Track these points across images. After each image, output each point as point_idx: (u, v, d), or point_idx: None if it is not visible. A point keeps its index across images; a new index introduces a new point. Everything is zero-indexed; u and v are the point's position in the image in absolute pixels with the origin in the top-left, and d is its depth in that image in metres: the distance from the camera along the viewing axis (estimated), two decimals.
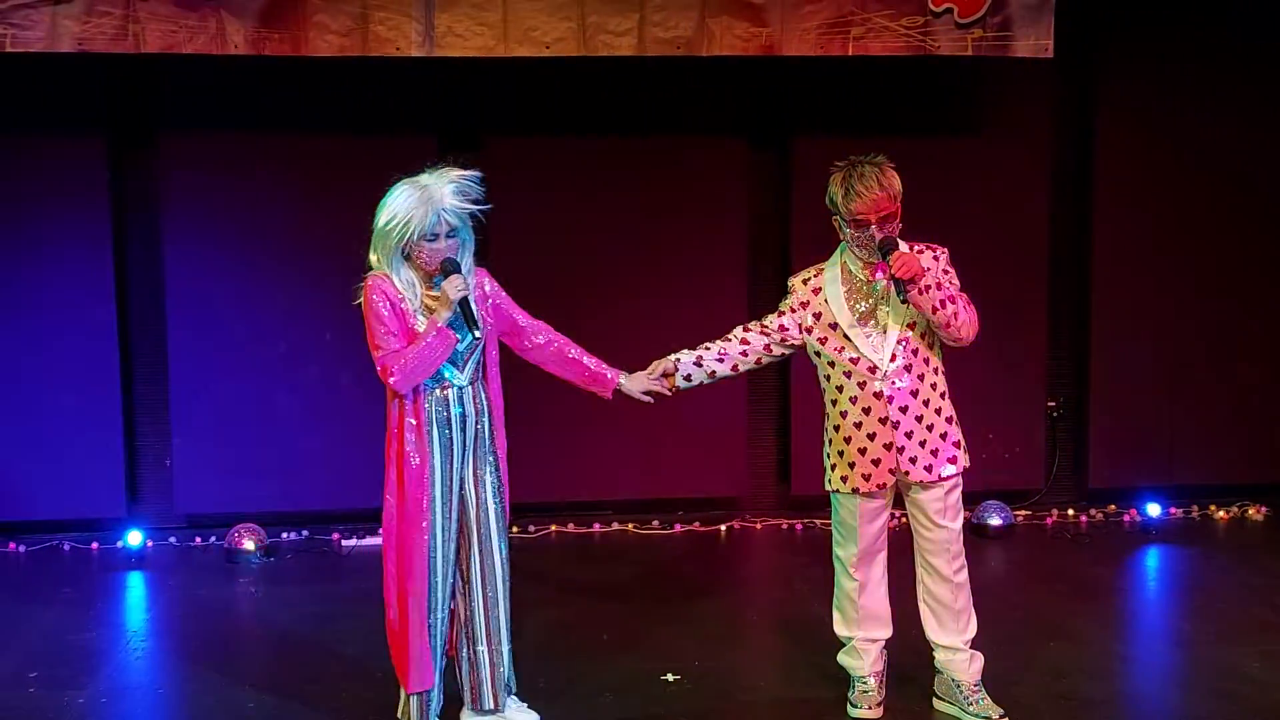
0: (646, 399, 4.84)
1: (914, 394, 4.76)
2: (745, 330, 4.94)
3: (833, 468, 4.90)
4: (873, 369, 4.76)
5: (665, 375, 4.87)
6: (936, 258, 4.76)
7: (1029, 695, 5.08)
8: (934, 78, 7.42)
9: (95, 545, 7.26)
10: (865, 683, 5.00)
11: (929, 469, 4.78)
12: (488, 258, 5.00)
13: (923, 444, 4.77)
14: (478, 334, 4.52)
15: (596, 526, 7.59)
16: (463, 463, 4.64)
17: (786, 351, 4.95)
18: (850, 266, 4.82)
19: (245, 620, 6.43)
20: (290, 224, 7.36)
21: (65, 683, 5.36)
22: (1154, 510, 7.61)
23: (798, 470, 7.67)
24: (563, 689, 5.19)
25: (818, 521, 7.42)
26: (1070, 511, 7.77)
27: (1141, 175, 7.73)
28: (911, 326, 4.75)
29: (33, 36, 6.46)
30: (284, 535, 7.39)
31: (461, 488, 4.66)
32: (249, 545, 7.07)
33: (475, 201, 4.52)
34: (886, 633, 5.03)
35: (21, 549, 7.20)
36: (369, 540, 7.36)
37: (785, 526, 7.64)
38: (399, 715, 4.73)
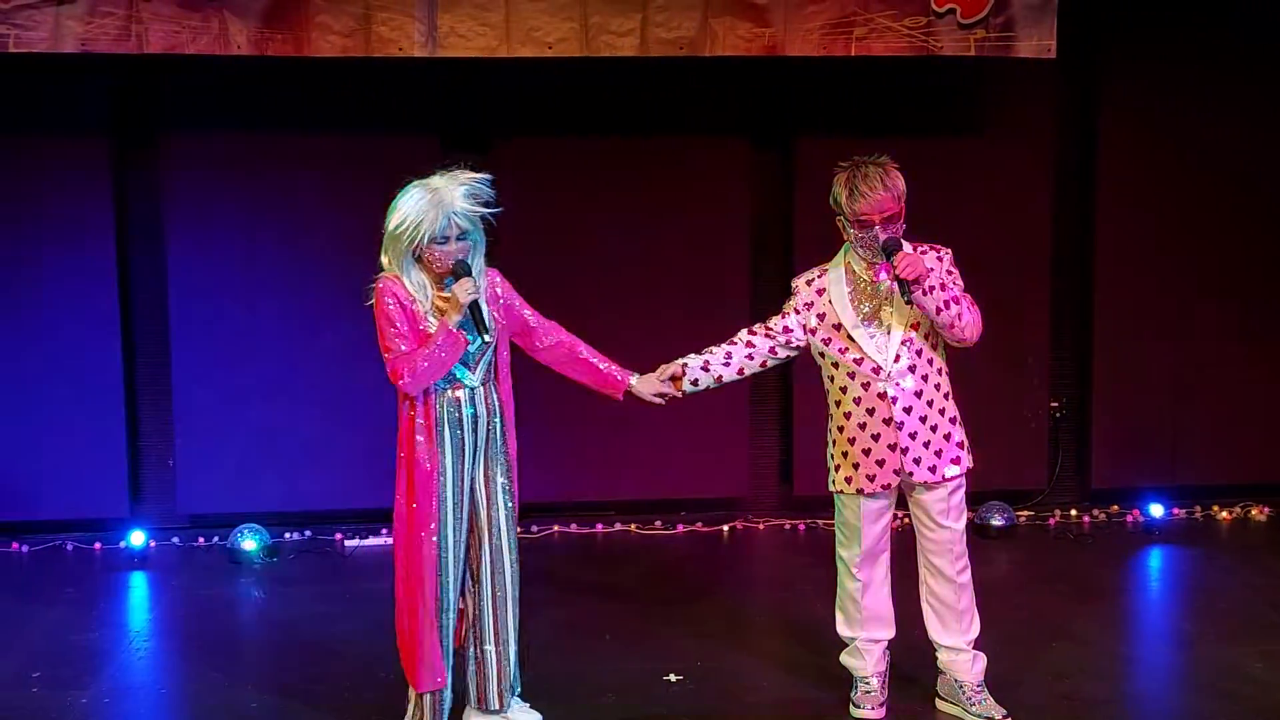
0: (658, 400, 4.84)
1: (918, 394, 4.76)
2: (750, 333, 4.94)
3: (836, 469, 4.90)
4: (877, 370, 4.76)
5: (673, 379, 4.87)
6: (940, 258, 4.76)
7: (1031, 696, 5.08)
8: (937, 78, 7.42)
9: (98, 545, 7.26)
10: (868, 683, 5.00)
11: (933, 469, 4.78)
12: (491, 258, 4.99)
13: (926, 444, 4.77)
14: (488, 337, 4.53)
15: (599, 527, 7.59)
16: (474, 463, 4.64)
17: (791, 354, 4.95)
18: (854, 267, 4.82)
19: (248, 621, 6.44)
20: (293, 225, 7.36)
21: (68, 682, 5.37)
22: (1157, 511, 7.60)
23: (800, 471, 7.67)
24: (565, 689, 5.19)
25: (820, 522, 7.41)
26: (1073, 512, 7.76)
27: (1144, 175, 7.72)
28: (915, 327, 4.75)
29: (36, 37, 6.46)
30: (287, 535, 7.39)
31: (472, 488, 4.66)
32: (251, 546, 7.07)
33: (486, 204, 4.52)
34: (889, 633, 5.03)
35: (24, 549, 7.21)
36: (371, 541, 7.37)
37: (787, 527, 7.63)
38: (408, 717, 4.72)
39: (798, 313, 4.89)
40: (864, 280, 4.80)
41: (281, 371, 7.39)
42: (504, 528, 4.70)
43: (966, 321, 4.69)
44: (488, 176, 4.54)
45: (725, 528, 7.62)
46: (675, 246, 7.54)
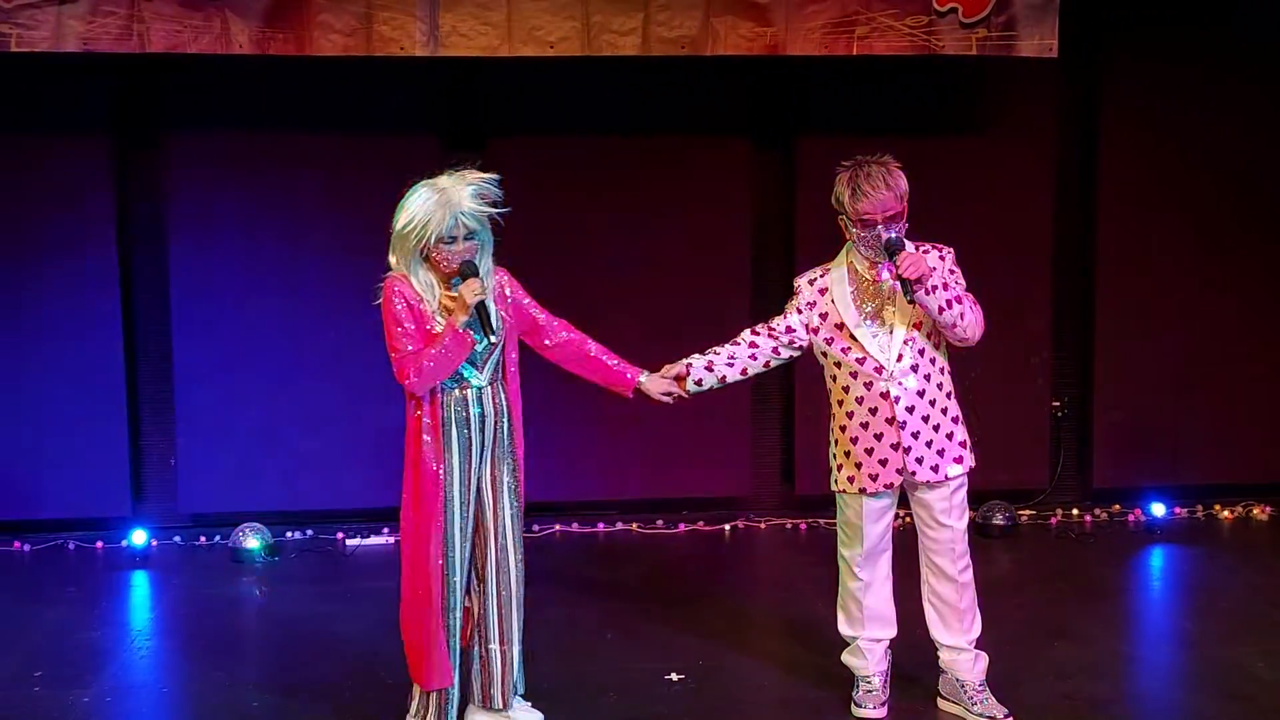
0: (665, 400, 4.83)
1: (920, 394, 4.76)
2: (753, 333, 4.94)
3: (839, 468, 4.90)
4: (879, 369, 4.76)
5: (677, 379, 4.86)
6: (943, 257, 4.76)
7: (1033, 695, 5.08)
8: (938, 77, 7.42)
9: (100, 544, 7.26)
10: (869, 682, 5.00)
11: (935, 469, 4.78)
12: (494, 258, 4.99)
13: (929, 444, 4.77)
14: (494, 338, 4.53)
15: (601, 526, 7.59)
16: (481, 463, 4.64)
17: (794, 354, 4.95)
18: (856, 266, 4.82)
19: (250, 620, 6.44)
20: (294, 224, 7.36)
21: (70, 682, 5.37)
22: (1158, 510, 7.60)
23: (802, 470, 7.67)
24: (567, 688, 5.19)
25: (822, 521, 7.41)
26: (1074, 511, 7.76)
27: (1146, 175, 7.72)
28: (918, 326, 4.75)
29: (38, 36, 6.47)
30: (288, 535, 7.40)
31: (479, 488, 4.66)
32: (253, 545, 7.07)
33: (493, 204, 4.52)
34: (891, 632, 5.03)
35: (26, 548, 7.21)
36: (373, 540, 7.37)
37: (789, 526, 7.63)
38: (411, 715, 4.72)
39: (800, 312, 4.89)
40: (866, 280, 4.80)
41: (283, 371, 7.39)
42: (510, 528, 4.71)
43: (969, 321, 4.69)
44: (495, 176, 4.54)
45: (727, 527, 7.62)
46: (676, 246, 7.54)
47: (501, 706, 4.76)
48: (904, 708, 5.02)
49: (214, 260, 7.32)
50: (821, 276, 4.89)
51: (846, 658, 5.08)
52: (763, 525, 7.65)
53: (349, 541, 7.36)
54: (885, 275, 4.74)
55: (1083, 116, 7.80)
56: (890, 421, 4.77)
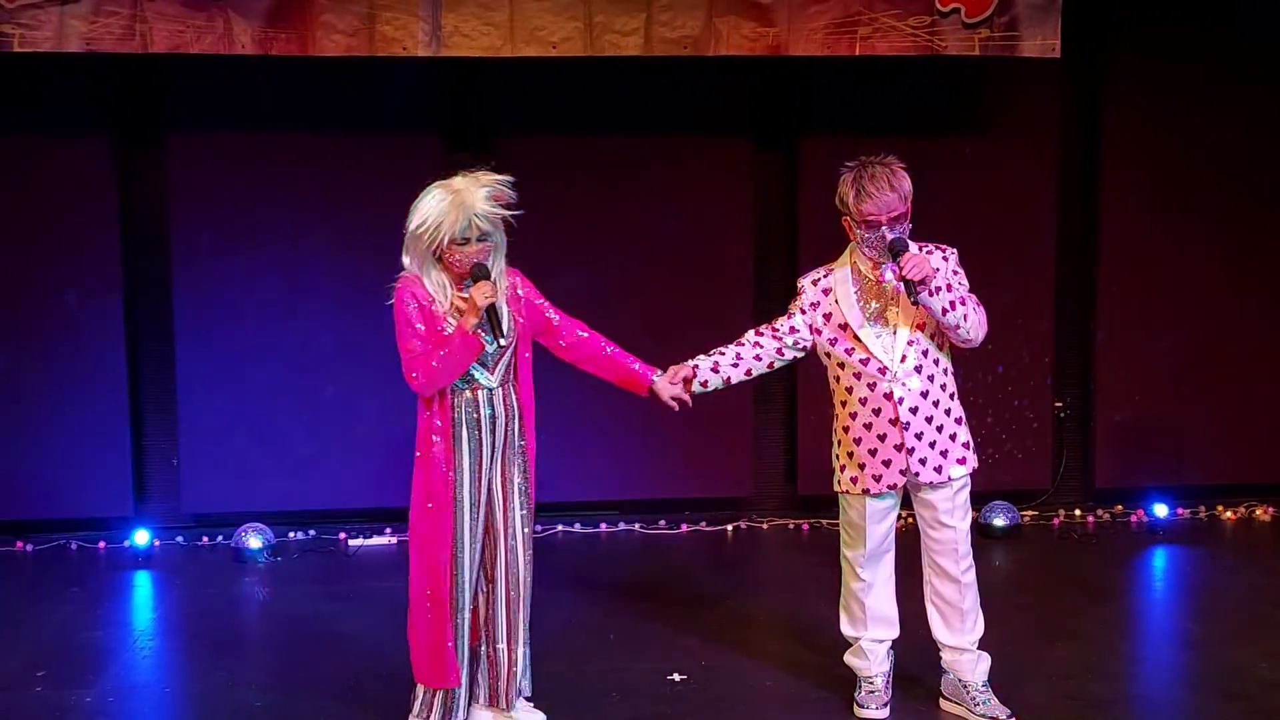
0: (673, 404, 4.82)
1: (924, 395, 4.76)
2: (757, 334, 4.94)
3: (842, 469, 4.90)
4: (883, 370, 4.76)
5: (684, 381, 4.86)
6: (946, 258, 4.76)
7: (1036, 696, 5.08)
8: (941, 78, 7.41)
9: (102, 544, 7.27)
10: (872, 683, 5.00)
11: (938, 470, 4.77)
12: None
13: (932, 445, 4.77)
14: (503, 341, 4.53)
15: (603, 526, 7.60)
16: (491, 464, 4.64)
17: (798, 355, 4.95)
18: (860, 266, 4.82)
19: (252, 619, 6.45)
20: (297, 225, 7.36)
21: (72, 681, 5.37)
22: (1161, 511, 7.60)
23: (804, 470, 7.66)
24: (569, 689, 5.19)
25: (824, 521, 7.41)
26: (1077, 512, 7.76)
27: (1148, 175, 7.72)
28: (921, 327, 4.75)
29: (40, 36, 6.47)
30: (291, 535, 7.40)
31: (489, 489, 4.66)
32: (255, 545, 7.08)
33: (507, 206, 4.52)
34: (893, 633, 5.03)
35: (29, 548, 7.21)
36: (375, 540, 7.38)
37: (792, 526, 7.63)
38: (414, 714, 4.71)
39: (804, 313, 4.89)
40: (870, 280, 4.80)
41: (286, 370, 7.39)
42: (519, 529, 4.71)
43: (972, 322, 4.68)
44: (509, 179, 4.54)
45: (729, 527, 7.62)
46: (679, 246, 7.54)
47: (505, 707, 4.76)
48: (906, 708, 5.02)
49: (217, 260, 7.32)
50: (825, 277, 4.89)
51: (849, 658, 5.08)
52: (765, 526, 7.65)
53: (351, 542, 7.36)
54: (889, 276, 4.74)
55: (1085, 117, 7.79)
56: (893, 422, 4.76)
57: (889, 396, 4.76)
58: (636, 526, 7.59)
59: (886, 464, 4.79)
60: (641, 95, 7.45)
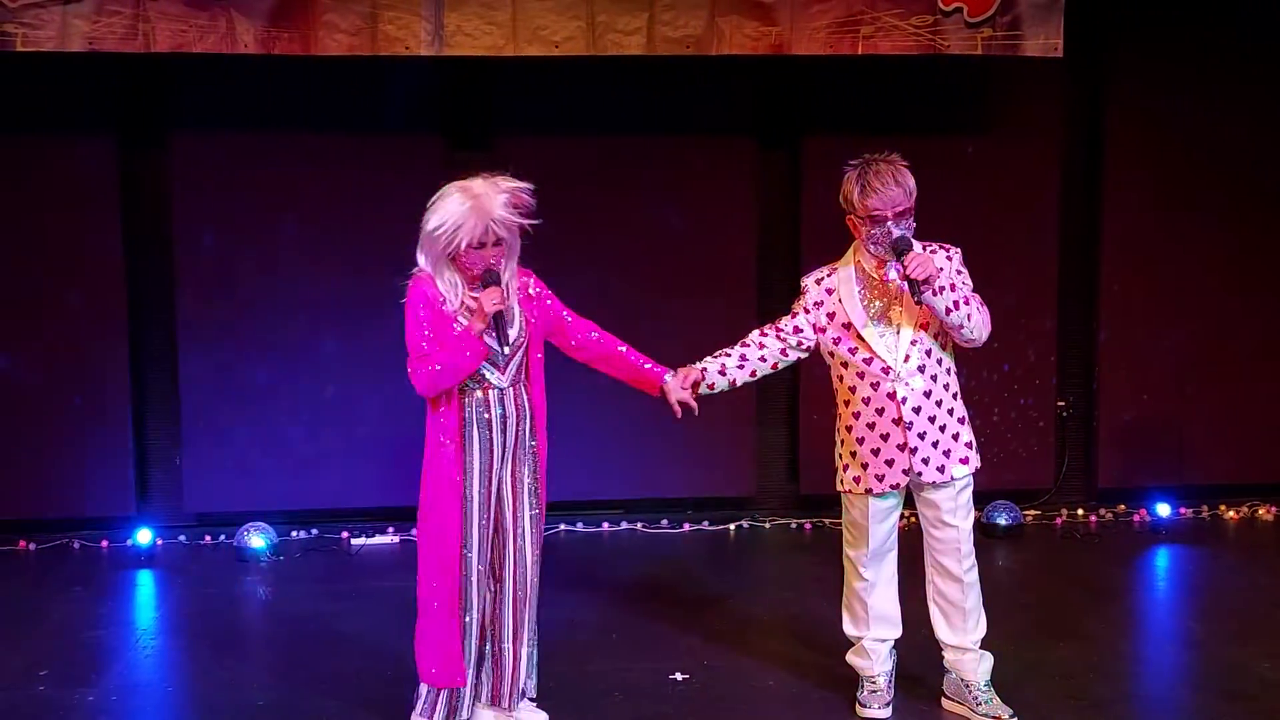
0: (677, 410, 4.81)
1: (927, 394, 4.76)
2: (761, 334, 4.93)
3: (845, 468, 4.89)
4: (886, 369, 4.76)
5: (693, 385, 4.84)
6: (950, 258, 4.76)
7: (1038, 695, 5.08)
8: (943, 77, 7.41)
9: (105, 543, 7.27)
10: (874, 682, 5.00)
11: (941, 469, 4.77)
12: None
13: (935, 444, 4.77)
14: (506, 350, 4.53)
15: (605, 526, 7.60)
16: (501, 464, 4.65)
17: (801, 355, 4.94)
18: (864, 265, 4.82)
19: (254, 618, 6.45)
20: (300, 224, 7.36)
21: (75, 680, 5.38)
22: (1164, 510, 7.59)
23: (807, 470, 7.66)
24: (571, 688, 5.19)
25: (827, 521, 7.41)
26: (1079, 511, 7.76)
27: (1151, 174, 7.71)
28: (925, 326, 4.75)
29: (43, 36, 6.47)
30: (293, 534, 7.41)
31: (499, 488, 4.66)
32: (258, 544, 7.08)
33: (525, 214, 4.52)
34: (896, 632, 5.03)
35: (32, 547, 7.22)
36: (378, 539, 7.38)
37: (794, 526, 7.63)
38: (417, 713, 4.71)
39: (807, 312, 4.88)
40: (874, 279, 4.80)
41: (288, 369, 7.40)
42: (528, 529, 4.71)
43: (976, 322, 4.68)
44: (529, 186, 4.54)
45: (732, 527, 7.62)
46: (681, 246, 7.54)
47: (508, 707, 4.76)
48: (909, 708, 5.02)
49: (219, 259, 7.32)
50: (829, 276, 4.89)
51: (851, 658, 5.08)
52: (767, 525, 7.65)
53: (354, 541, 7.37)
54: (893, 275, 4.74)
55: (1088, 116, 7.79)
56: (896, 422, 4.76)
57: (892, 396, 4.76)
58: (639, 526, 7.60)
59: (889, 464, 4.79)
60: (644, 95, 7.45)
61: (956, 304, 4.64)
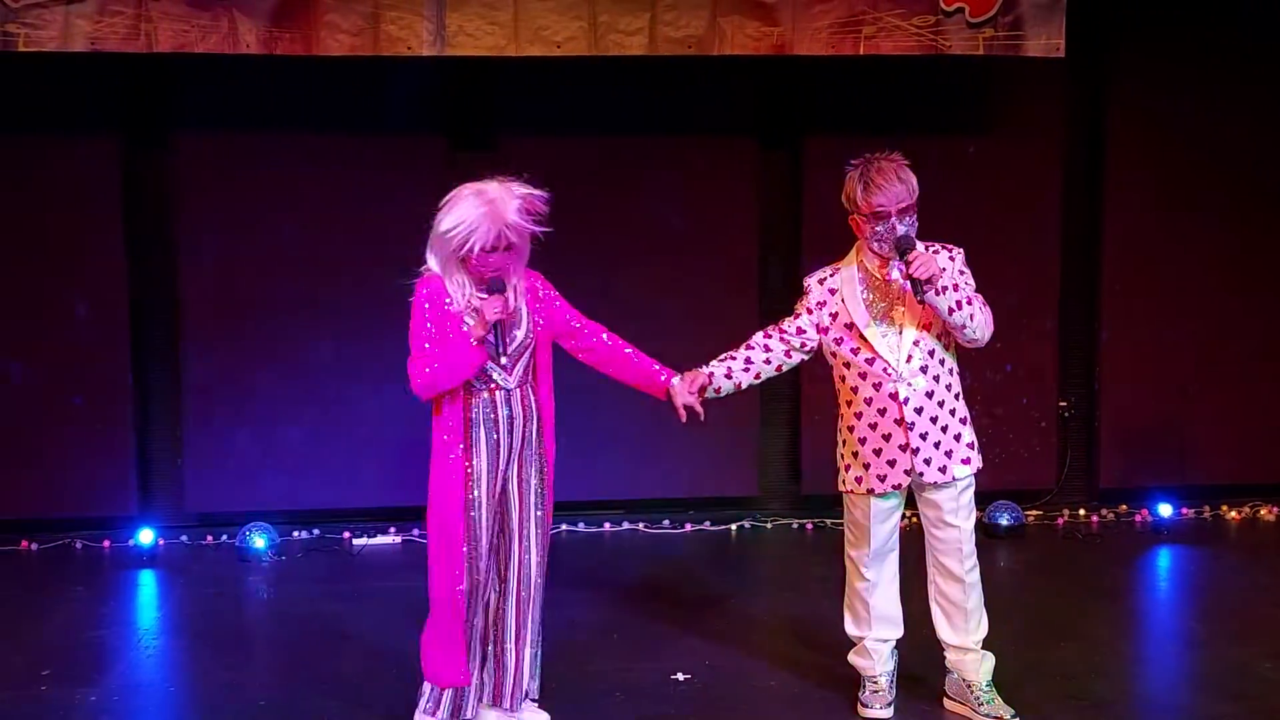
0: (683, 413, 4.80)
1: (929, 395, 4.75)
2: (766, 337, 4.92)
3: (847, 469, 4.89)
4: (888, 370, 4.75)
5: (699, 389, 4.83)
6: (952, 258, 4.76)
7: (1040, 696, 5.07)
8: (945, 77, 7.41)
9: (107, 543, 7.27)
10: (876, 682, 5.00)
11: (943, 470, 4.77)
12: None
13: (937, 445, 4.77)
14: (503, 361, 4.53)
15: (607, 526, 7.60)
16: (507, 464, 4.64)
17: (804, 357, 4.94)
18: (867, 265, 4.81)
19: (256, 618, 6.46)
20: (302, 224, 7.36)
21: (77, 680, 5.38)
22: (1165, 510, 7.59)
23: (808, 470, 7.67)
24: (573, 688, 5.19)
25: (828, 521, 7.41)
26: (1081, 512, 7.76)
27: (1152, 174, 7.72)
28: (927, 327, 4.75)
29: (46, 36, 6.47)
30: (295, 534, 7.41)
31: (504, 489, 4.66)
32: (260, 544, 7.08)
33: (538, 220, 4.53)
34: (897, 633, 5.03)
35: (34, 547, 7.22)
36: (379, 539, 7.38)
37: (796, 526, 7.63)
38: (420, 710, 4.70)
39: (810, 312, 4.88)
40: (877, 279, 4.79)
41: (290, 370, 7.40)
42: (533, 531, 4.71)
43: (979, 322, 4.68)
44: (543, 193, 4.54)
45: (733, 527, 7.62)
46: (683, 246, 7.54)
47: (510, 707, 4.76)
48: (910, 708, 5.01)
49: (221, 259, 7.33)
50: (831, 276, 4.89)
51: (853, 658, 5.08)
52: (769, 525, 7.66)
53: (355, 541, 7.37)
54: (895, 275, 4.74)
55: (1089, 116, 7.79)
56: (899, 422, 4.76)
57: (894, 396, 4.75)
58: (640, 526, 7.60)
59: (891, 464, 4.79)
60: (645, 95, 7.45)
61: (959, 304, 4.64)
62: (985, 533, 7.19)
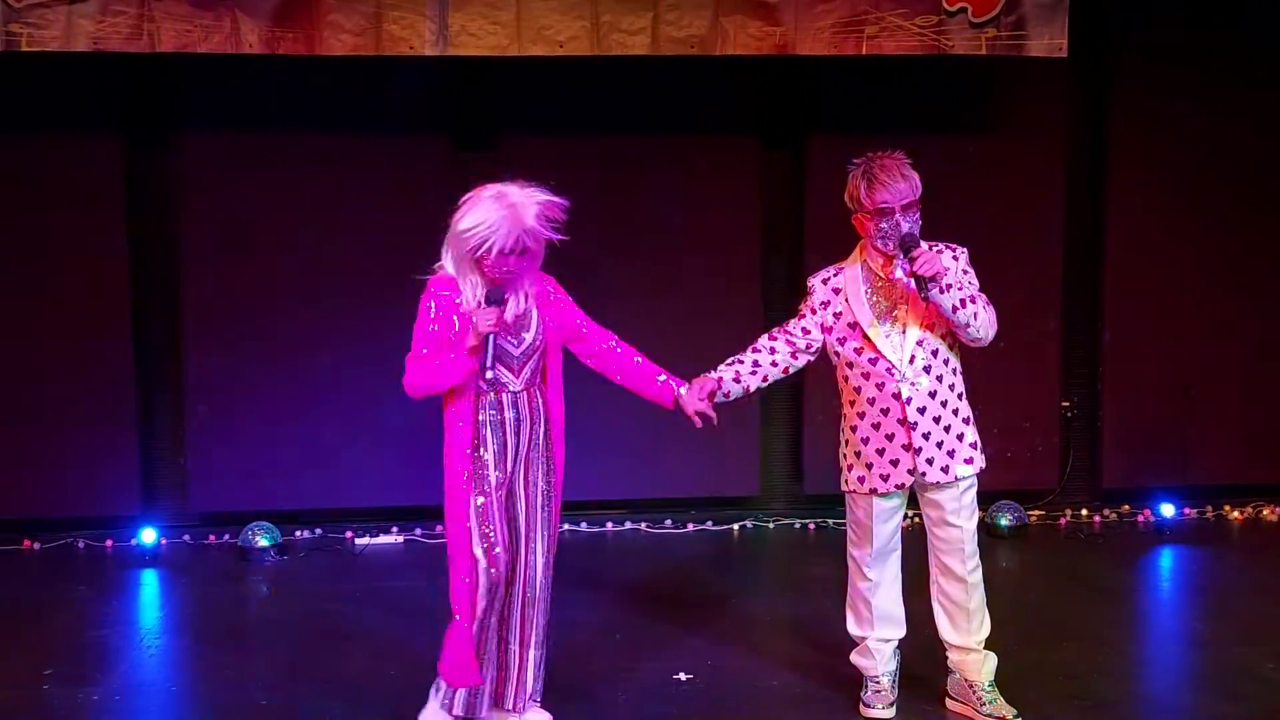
0: (697, 421, 4.79)
1: (932, 394, 4.75)
2: (771, 340, 4.92)
3: (849, 468, 4.89)
4: (891, 369, 4.75)
5: (709, 395, 4.83)
6: (956, 257, 4.76)
7: (1042, 696, 5.07)
8: (948, 77, 7.41)
9: (109, 543, 7.28)
10: (878, 682, 5.00)
11: (945, 469, 4.77)
12: None
13: (940, 444, 4.77)
14: (489, 375, 4.51)
15: (609, 526, 7.60)
16: (514, 466, 4.64)
17: (811, 358, 4.94)
18: (871, 265, 4.81)
19: (258, 618, 6.46)
20: (304, 223, 7.36)
21: (79, 680, 5.38)
22: (1168, 510, 7.58)
23: (810, 469, 7.67)
24: (575, 688, 5.18)
25: (830, 521, 7.41)
26: (1084, 512, 7.75)
27: (1155, 174, 7.71)
28: (931, 326, 4.75)
29: (48, 35, 6.48)
30: (297, 533, 7.41)
31: (511, 490, 4.66)
32: (262, 543, 7.09)
33: (556, 227, 4.53)
34: (900, 632, 5.03)
35: (36, 546, 7.23)
36: (382, 539, 7.38)
37: (798, 526, 7.63)
38: (437, 701, 4.70)
39: (814, 312, 4.88)
40: (881, 278, 4.79)
41: (293, 369, 7.40)
42: (539, 533, 4.70)
43: (982, 321, 4.68)
44: (564, 202, 4.54)
45: (735, 527, 7.62)
46: (685, 245, 7.54)
47: (511, 708, 4.75)
48: (912, 708, 5.01)
49: (224, 258, 7.33)
50: (835, 275, 4.88)
51: (855, 658, 5.08)
52: (771, 525, 7.65)
53: (358, 540, 7.37)
54: (899, 273, 4.74)
55: (1092, 117, 7.79)
56: (901, 422, 4.76)
57: (897, 396, 4.75)
58: (643, 526, 7.60)
59: (894, 463, 4.79)
60: (648, 94, 7.45)
61: (963, 302, 4.64)
62: (987, 533, 7.19)
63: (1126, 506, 7.76)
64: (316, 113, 7.32)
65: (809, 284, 4.94)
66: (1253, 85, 7.69)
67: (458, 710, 4.65)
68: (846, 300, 4.82)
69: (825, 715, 5.02)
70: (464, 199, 4.51)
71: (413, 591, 6.47)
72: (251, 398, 7.37)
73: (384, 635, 5.79)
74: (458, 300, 4.53)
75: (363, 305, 7.18)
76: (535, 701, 4.84)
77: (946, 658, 5.00)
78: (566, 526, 7.50)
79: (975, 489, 4.87)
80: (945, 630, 4.95)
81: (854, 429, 4.86)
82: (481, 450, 4.57)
